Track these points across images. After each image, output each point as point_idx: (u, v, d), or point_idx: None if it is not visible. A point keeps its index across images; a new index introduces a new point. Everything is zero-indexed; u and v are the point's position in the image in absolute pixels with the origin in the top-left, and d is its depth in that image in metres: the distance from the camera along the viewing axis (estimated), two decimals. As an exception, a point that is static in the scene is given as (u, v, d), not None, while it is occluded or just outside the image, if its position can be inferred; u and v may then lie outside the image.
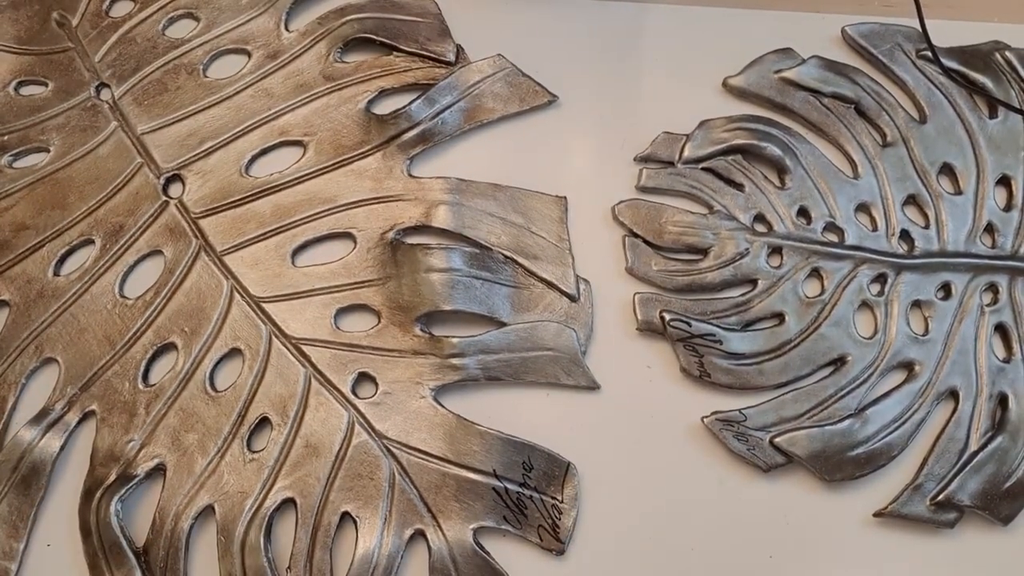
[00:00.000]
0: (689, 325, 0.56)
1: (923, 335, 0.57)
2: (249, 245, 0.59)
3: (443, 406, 0.54)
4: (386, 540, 0.51)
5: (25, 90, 0.64)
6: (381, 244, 0.58)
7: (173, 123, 0.62)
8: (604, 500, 0.53)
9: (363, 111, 0.62)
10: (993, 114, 0.64)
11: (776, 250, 0.59)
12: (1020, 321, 0.58)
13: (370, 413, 0.54)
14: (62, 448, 0.54)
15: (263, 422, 0.54)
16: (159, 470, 0.53)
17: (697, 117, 0.62)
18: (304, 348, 0.56)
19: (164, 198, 0.60)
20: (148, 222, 0.59)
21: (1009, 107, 0.63)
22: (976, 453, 0.54)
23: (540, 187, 0.60)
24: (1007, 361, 0.57)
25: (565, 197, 0.60)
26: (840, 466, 0.53)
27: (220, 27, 0.65)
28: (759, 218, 0.60)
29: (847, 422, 0.54)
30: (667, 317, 0.56)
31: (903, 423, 0.55)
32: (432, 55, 0.64)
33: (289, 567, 0.51)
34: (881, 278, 0.59)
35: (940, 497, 0.53)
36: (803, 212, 0.60)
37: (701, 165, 0.61)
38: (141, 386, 0.55)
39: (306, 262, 0.58)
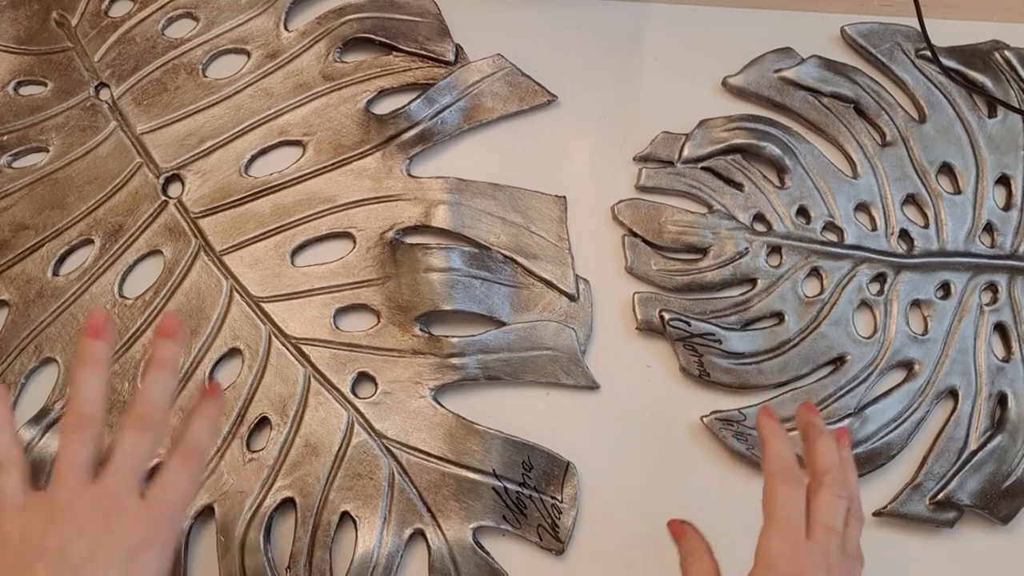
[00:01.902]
0: (688, 324, 0.56)
1: (922, 334, 0.57)
2: (248, 245, 0.59)
3: (443, 406, 0.54)
4: (386, 539, 0.51)
5: (24, 90, 0.64)
6: (380, 244, 0.58)
7: (172, 123, 0.62)
8: (604, 500, 0.53)
9: (362, 111, 0.62)
10: (992, 113, 0.64)
11: (775, 249, 0.59)
12: (1019, 320, 0.58)
13: (369, 413, 0.54)
14: (61, 448, 0.54)
15: (263, 422, 0.54)
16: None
17: (696, 116, 0.62)
18: (303, 348, 0.56)
19: (163, 198, 0.60)
20: (147, 222, 0.59)
21: (1008, 106, 0.63)
22: (975, 452, 0.54)
23: (540, 187, 0.60)
24: (1006, 360, 0.57)
25: (564, 197, 0.60)
26: (840, 465, 0.53)
27: (219, 27, 0.65)
28: (758, 217, 0.60)
29: (847, 421, 0.54)
30: (667, 316, 0.56)
31: (902, 422, 0.55)
32: (431, 55, 0.64)
33: (289, 567, 0.51)
34: (880, 277, 0.59)
35: (940, 496, 0.53)
36: (802, 211, 0.60)
37: (700, 164, 0.61)
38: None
39: (305, 262, 0.58)
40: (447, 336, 0.56)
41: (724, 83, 0.64)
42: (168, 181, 0.61)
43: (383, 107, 0.63)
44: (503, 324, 0.56)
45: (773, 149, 0.61)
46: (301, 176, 0.60)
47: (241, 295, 0.57)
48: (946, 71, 0.63)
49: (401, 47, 0.64)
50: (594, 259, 0.59)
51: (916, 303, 0.58)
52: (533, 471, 0.53)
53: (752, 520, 0.53)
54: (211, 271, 0.58)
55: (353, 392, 0.55)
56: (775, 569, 0.39)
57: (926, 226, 0.60)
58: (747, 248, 0.59)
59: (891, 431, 0.54)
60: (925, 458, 0.54)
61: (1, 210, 0.60)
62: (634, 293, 0.58)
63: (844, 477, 0.42)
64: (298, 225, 0.59)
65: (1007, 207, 0.61)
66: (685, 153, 0.61)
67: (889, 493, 0.53)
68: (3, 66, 0.65)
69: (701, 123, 0.62)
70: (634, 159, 0.62)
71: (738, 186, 0.60)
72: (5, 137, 0.62)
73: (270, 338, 0.56)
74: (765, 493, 0.41)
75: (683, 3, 0.68)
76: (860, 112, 0.63)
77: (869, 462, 0.54)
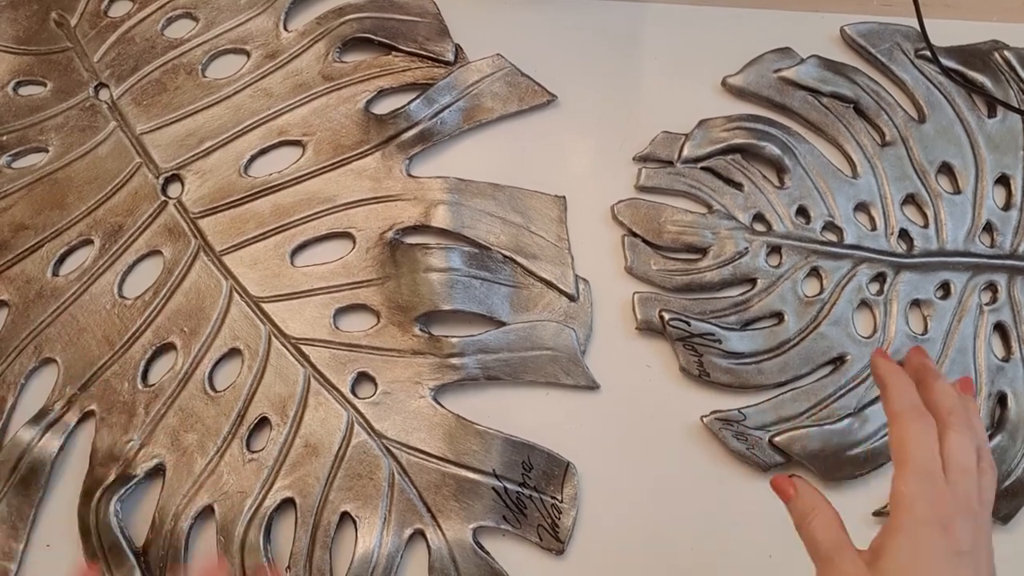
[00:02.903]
0: (688, 324, 0.56)
1: (922, 334, 0.57)
2: (248, 245, 0.59)
3: (442, 406, 0.54)
4: (385, 540, 0.51)
5: (24, 90, 0.64)
6: (380, 244, 0.58)
7: (172, 123, 0.62)
8: (604, 500, 0.53)
9: (362, 111, 0.62)
10: (992, 113, 0.64)
11: (775, 249, 0.59)
12: (1019, 320, 0.58)
13: (369, 413, 0.54)
14: (61, 448, 0.54)
15: (262, 422, 0.54)
16: (158, 470, 0.53)
17: (696, 116, 0.62)
18: (303, 348, 0.56)
19: (163, 198, 0.60)
20: (147, 222, 0.59)
21: (1008, 106, 0.63)
22: (975, 452, 0.54)
23: (539, 187, 0.60)
24: (1006, 360, 0.57)
25: (564, 197, 0.60)
26: (839, 465, 0.53)
27: (219, 27, 0.65)
28: (758, 217, 0.60)
29: (846, 421, 0.54)
30: (666, 316, 0.56)
31: (902, 422, 0.55)
32: (431, 55, 0.64)
33: (289, 567, 0.51)
34: (880, 277, 0.59)
35: (939, 496, 0.53)
36: (802, 211, 0.60)
37: (700, 164, 0.61)
38: (140, 386, 0.55)
39: (305, 262, 0.58)
40: (447, 336, 0.55)
41: (724, 83, 0.64)
42: (168, 181, 0.61)
43: (383, 107, 0.63)
44: (503, 324, 0.56)
45: (773, 149, 0.61)
46: (301, 176, 0.60)
47: (241, 295, 0.57)
48: (946, 71, 0.63)
49: (401, 47, 0.64)
50: (594, 259, 0.59)
51: (916, 303, 0.58)
52: (533, 471, 0.53)
53: (752, 520, 0.53)
54: (211, 271, 0.58)
55: (353, 392, 0.55)
56: (914, 512, 0.35)
57: (926, 226, 0.60)
58: (747, 248, 0.59)
59: (891, 431, 0.54)
60: (925, 458, 0.54)
61: (1, 210, 0.60)
62: (634, 293, 0.58)
63: (969, 419, 0.38)
64: (298, 225, 0.59)
65: (1007, 207, 0.61)
66: (685, 153, 0.61)
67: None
68: (3, 66, 0.65)
69: (701, 123, 0.62)
70: (634, 159, 0.62)
71: (738, 186, 0.60)
72: (5, 137, 0.62)
73: (270, 338, 0.56)
74: (892, 435, 0.37)
75: (683, 3, 0.68)
76: (860, 112, 0.63)
77: (869, 462, 0.54)
